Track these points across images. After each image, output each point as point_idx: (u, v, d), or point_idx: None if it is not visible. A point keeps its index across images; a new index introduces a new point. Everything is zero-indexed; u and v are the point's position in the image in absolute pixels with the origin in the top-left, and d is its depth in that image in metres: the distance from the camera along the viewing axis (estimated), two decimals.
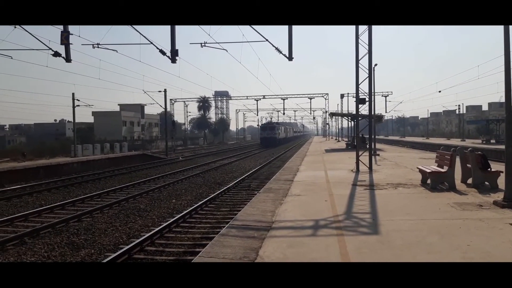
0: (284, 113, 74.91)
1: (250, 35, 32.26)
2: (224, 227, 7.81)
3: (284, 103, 65.65)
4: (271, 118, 77.08)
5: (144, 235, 9.09)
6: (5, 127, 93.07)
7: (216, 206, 12.99)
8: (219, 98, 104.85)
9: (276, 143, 60.41)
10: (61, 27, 14.71)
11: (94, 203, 14.07)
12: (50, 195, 16.17)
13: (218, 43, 18.00)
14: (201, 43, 18.01)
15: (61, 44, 14.97)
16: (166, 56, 15.51)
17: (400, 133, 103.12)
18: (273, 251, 5.56)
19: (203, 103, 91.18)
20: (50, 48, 15.65)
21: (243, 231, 6.87)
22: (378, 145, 32.51)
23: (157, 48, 15.67)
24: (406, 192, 10.17)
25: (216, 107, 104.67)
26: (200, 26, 16.69)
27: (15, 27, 15.09)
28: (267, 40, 15.95)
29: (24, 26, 15.02)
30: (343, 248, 5.49)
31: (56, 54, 15.32)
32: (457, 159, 11.10)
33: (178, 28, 15.92)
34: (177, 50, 15.40)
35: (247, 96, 66.00)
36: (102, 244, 8.82)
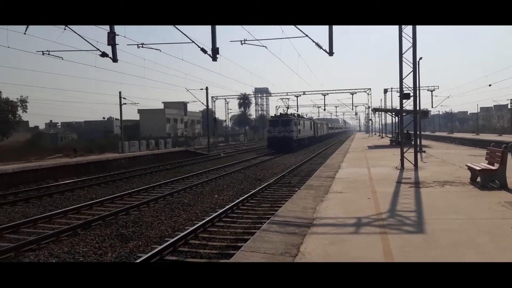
0: (324, 109, 73.49)
1: (289, 31, 32.35)
2: (265, 222, 7.91)
3: (324, 98, 64.69)
4: (287, 108, 50.68)
5: (188, 229, 9.37)
6: (57, 124, 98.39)
7: (257, 201, 13.12)
8: (259, 95, 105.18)
9: (291, 146, 39.29)
10: (108, 28, 15.36)
11: (141, 197, 14.65)
12: (100, 189, 16.99)
13: (258, 40, 18.11)
14: (241, 41, 18.22)
15: (108, 44, 15.62)
16: (207, 54, 15.82)
17: (448, 129, 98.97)
18: (315, 247, 5.57)
19: (244, 100, 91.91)
20: (98, 49, 16.39)
21: (284, 227, 6.92)
22: (424, 142, 31.39)
23: (199, 46, 16.01)
24: (454, 191, 9.80)
25: (256, 103, 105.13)
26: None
27: (65, 29, 15.92)
28: (307, 35, 15.85)
29: (73, 28, 15.82)
30: (386, 247, 5.40)
31: (104, 54, 16.02)
32: (509, 156, 10.54)
33: (218, 26, 16.16)
34: (217, 48, 15.67)
35: (287, 93, 65.53)
36: (149, 236, 9.19)
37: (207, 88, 43.76)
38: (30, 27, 15.28)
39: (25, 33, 16.67)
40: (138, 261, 7.19)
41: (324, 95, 63.42)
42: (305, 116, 60.14)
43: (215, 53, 15.66)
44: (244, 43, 18.33)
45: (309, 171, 20.29)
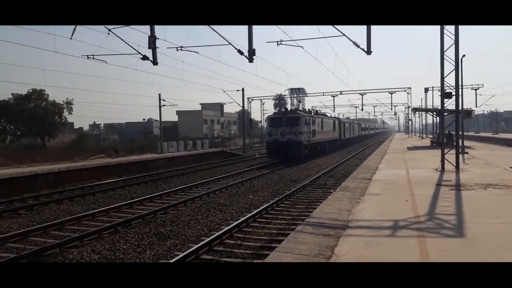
0: (362, 109, 71.93)
1: (326, 30, 31.92)
2: (299, 224, 7.91)
3: (362, 98, 63.31)
4: (299, 102, 39.08)
5: (223, 229, 9.51)
6: (100, 126, 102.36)
7: (292, 203, 13.10)
8: (295, 95, 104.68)
9: (300, 154, 28.31)
10: (149, 32, 15.82)
11: (179, 196, 15.01)
12: (139, 189, 17.55)
13: (294, 40, 18.06)
14: (277, 42, 18.26)
15: (149, 48, 16.08)
16: (244, 56, 15.98)
17: (493, 129, 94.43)
18: (349, 249, 5.53)
19: (279, 101, 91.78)
20: (139, 52, 16.93)
21: (318, 228, 6.91)
22: (467, 142, 30.18)
23: (235, 48, 16.19)
24: (497, 193, 9.39)
25: (292, 104, 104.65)
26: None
27: (108, 33, 16.59)
28: (344, 34, 15.67)
29: (116, 33, 16.46)
30: (423, 250, 5.28)
31: (144, 57, 16.53)
32: None
33: (254, 27, 16.29)
34: (254, 49, 15.78)
35: (323, 92, 64.59)
36: (185, 235, 9.41)
37: (243, 89, 44.16)
38: (76, 32, 16.06)
39: (71, 38, 17.53)
40: (175, 259, 7.39)
41: (362, 95, 62.11)
42: (328, 115, 48.08)
43: (251, 55, 15.79)
44: (281, 43, 18.38)
45: (346, 173, 20.01)
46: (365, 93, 60.12)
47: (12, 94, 48.24)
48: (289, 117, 29.17)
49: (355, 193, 10.41)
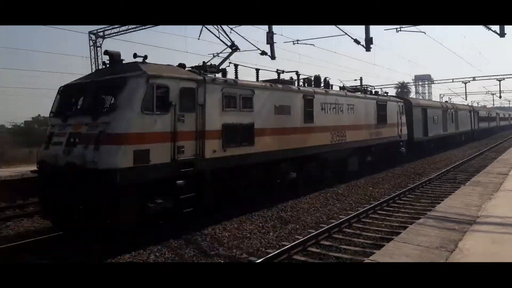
0: (500, 96, 63.46)
1: None
2: (421, 217, 7.74)
3: (500, 84, 55.89)
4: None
5: (342, 218, 9.76)
6: None
7: (415, 197, 12.63)
8: (420, 83, 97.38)
9: (126, 222, 7.48)
10: (267, 28, 16.63)
11: None
12: None
13: (414, 26, 17.10)
14: (396, 28, 17.56)
15: (267, 43, 16.97)
16: (361, 45, 15.78)
17: None
18: (475, 245, 5.37)
19: (402, 89, 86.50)
20: (258, 48, 17.94)
21: (442, 222, 6.74)
22: None
23: (352, 38, 16.06)
24: None
25: (416, 92, 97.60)
26: None
27: (230, 32, 17.91)
28: None
29: (237, 31, 17.67)
30: None
31: (263, 53, 17.43)
32: None
33: None
34: (371, 38, 15.47)
35: (453, 79, 58.71)
36: (305, 221, 9.90)
37: (361, 79, 42.64)
38: (202, 33, 17.75)
39: (198, 39, 19.36)
40: (296, 242, 7.89)
41: (499, 81, 54.92)
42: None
43: (368, 44, 15.52)
44: (400, 30, 17.61)
45: (479, 167, 18.30)
46: (503, 79, 52.89)
47: None
48: (98, 83, 8.63)
49: (487, 188, 9.69)
